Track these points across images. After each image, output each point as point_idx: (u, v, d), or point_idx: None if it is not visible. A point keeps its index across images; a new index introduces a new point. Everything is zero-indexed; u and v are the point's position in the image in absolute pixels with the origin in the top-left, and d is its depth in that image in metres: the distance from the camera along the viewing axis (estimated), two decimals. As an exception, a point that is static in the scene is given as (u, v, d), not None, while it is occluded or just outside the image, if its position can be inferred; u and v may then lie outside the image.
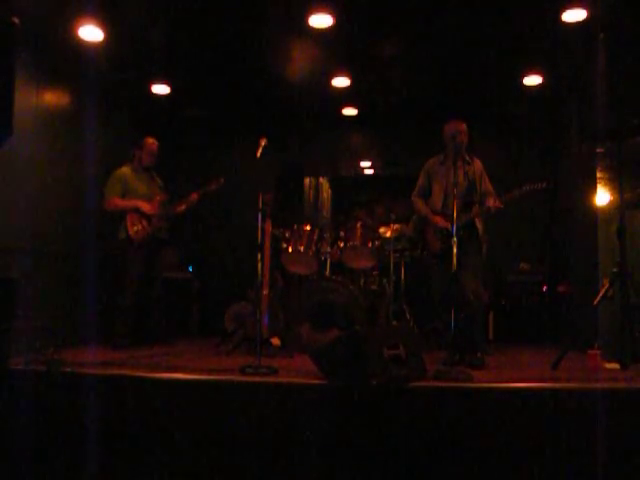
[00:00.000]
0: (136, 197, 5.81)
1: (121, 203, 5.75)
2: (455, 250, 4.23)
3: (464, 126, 4.92)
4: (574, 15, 5.25)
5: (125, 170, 5.89)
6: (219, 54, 6.26)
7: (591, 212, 5.80)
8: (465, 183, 4.86)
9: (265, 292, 5.57)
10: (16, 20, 3.80)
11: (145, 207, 5.78)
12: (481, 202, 4.91)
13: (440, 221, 4.86)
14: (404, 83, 6.97)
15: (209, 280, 7.99)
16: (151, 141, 5.96)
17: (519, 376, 4.14)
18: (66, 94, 6.31)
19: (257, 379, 3.89)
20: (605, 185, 5.60)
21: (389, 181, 8.35)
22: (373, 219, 6.56)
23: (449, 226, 4.67)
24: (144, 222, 5.76)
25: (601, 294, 4.53)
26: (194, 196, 5.96)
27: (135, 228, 5.70)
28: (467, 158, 4.93)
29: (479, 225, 4.93)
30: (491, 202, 4.83)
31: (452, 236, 4.29)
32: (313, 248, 5.86)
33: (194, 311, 7.69)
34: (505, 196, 4.73)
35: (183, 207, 5.98)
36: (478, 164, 5.00)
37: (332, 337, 4.96)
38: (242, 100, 7.54)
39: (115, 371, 4.11)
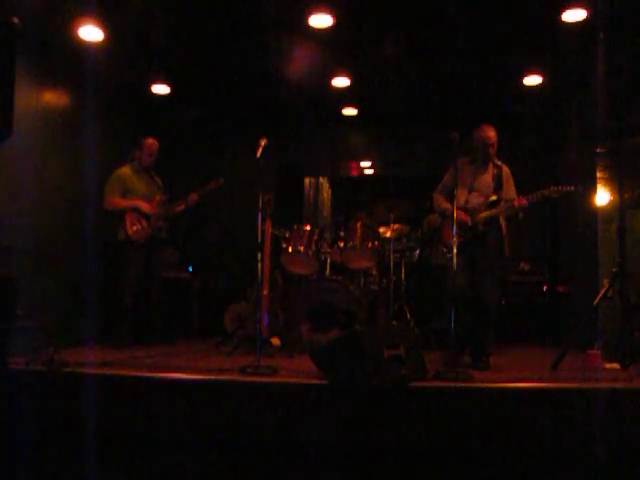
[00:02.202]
0: (136, 197, 5.81)
1: (121, 203, 5.74)
2: (455, 250, 4.20)
3: (494, 134, 4.89)
4: (574, 15, 5.26)
5: (125, 170, 5.88)
6: (219, 54, 6.26)
7: (591, 212, 5.80)
8: (492, 184, 4.88)
9: (265, 292, 5.57)
10: (16, 20, 3.80)
11: (144, 207, 5.77)
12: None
13: (462, 215, 4.78)
14: (404, 83, 6.97)
15: (209, 280, 7.99)
16: (151, 141, 5.94)
17: (519, 376, 4.15)
18: (66, 94, 6.31)
19: (257, 379, 3.88)
20: (605, 185, 5.61)
21: (389, 181, 8.35)
22: (373, 219, 6.53)
23: (469, 221, 4.76)
24: (143, 222, 5.75)
25: (601, 294, 4.53)
26: (194, 196, 5.96)
27: (134, 228, 5.69)
28: (495, 162, 4.96)
29: (503, 223, 4.87)
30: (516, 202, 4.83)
31: (478, 236, 4.42)
32: (313, 248, 5.86)
33: (194, 311, 7.69)
34: (530, 195, 4.68)
35: (182, 207, 5.97)
36: (506, 170, 5.00)
37: (332, 337, 4.97)
38: (242, 100, 7.55)
39: (115, 371, 4.10)
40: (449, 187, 5.03)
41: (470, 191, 4.91)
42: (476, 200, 4.84)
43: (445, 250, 4.92)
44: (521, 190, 4.92)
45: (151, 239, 5.80)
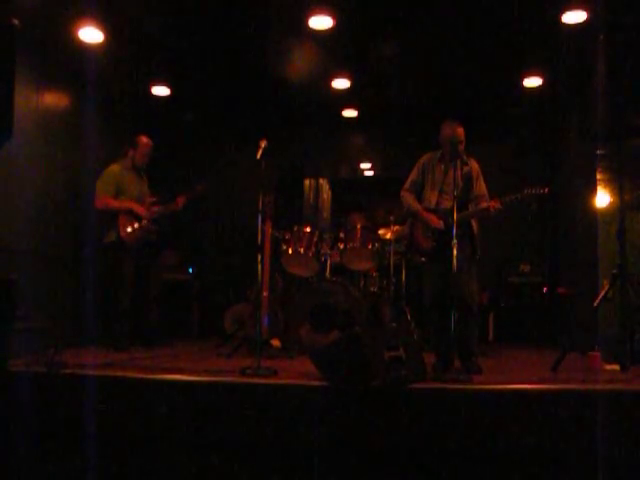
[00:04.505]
0: (128, 197, 5.74)
1: (113, 204, 5.65)
2: (455, 252, 4.15)
3: (462, 131, 4.74)
4: (574, 17, 5.26)
5: (116, 168, 5.77)
6: (219, 55, 6.27)
7: (591, 213, 5.80)
8: (461, 183, 4.71)
9: (265, 294, 5.58)
10: (16, 22, 3.80)
11: (138, 209, 5.70)
12: (475, 203, 4.77)
13: (434, 219, 4.67)
14: (404, 85, 6.98)
15: (209, 281, 7.99)
16: (145, 141, 5.86)
17: (519, 377, 4.14)
18: (66, 95, 6.32)
19: (257, 380, 3.88)
20: (605, 186, 5.61)
21: (389, 183, 8.34)
22: (368, 220, 6.53)
23: (442, 225, 4.59)
24: (135, 224, 5.67)
25: (601, 295, 4.53)
26: (180, 200, 5.88)
27: (128, 230, 5.60)
28: (464, 158, 4.71)
29: (474, 225, 4.75)
30: (485, 204, 4.68)
31: (452, 238, 4.18)
32: (313, 250, 5.86)
33: (194, 312, 7.69)
34: (504, 198, 4.57)
35: (171, 209, 5.89)
36: (475, 165, 4.85)
37: (332, 339, 4.97)
38: (242, 102, 7.55)
39: (115, 372, 4.10)
40: (419, 184, 4.93)
41: (440, 191, 4.76)
42: (448, 202, 4.56)
43: (419, 255, 4.82)
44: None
45: (142, 241, 5.75)
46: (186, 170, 8.07)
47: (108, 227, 5.67)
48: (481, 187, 4.85)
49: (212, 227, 8.36)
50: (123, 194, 5.74)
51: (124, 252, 5.64)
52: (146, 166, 5.98)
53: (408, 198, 4.91)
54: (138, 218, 5.70)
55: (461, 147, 4.69)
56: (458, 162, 4.67)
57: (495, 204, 4.57)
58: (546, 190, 4.52)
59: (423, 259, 4.80)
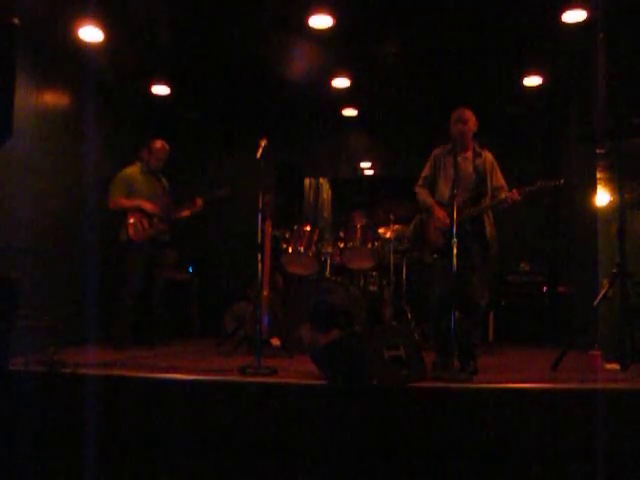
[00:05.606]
0: (140, 198, 5.80)
1: (124, 203, 5.74)
2: (455, 251, 4.11)
3: (467, 113, 4.57)
4: (574, 16, 5.26)
5: (131, 170, 5.87)
6: (219, 54, 6.26)
7: (591, 212, 5.80)
8: (474, 175, 4.58)
9: (265, 293, 5.57)
10: (16, 21, 3.80)
11: (147, 206, 5.76)
12: (493, 196, 4.60)
13: (442, 217, 4.51)
14: (404, 84, 6.98)
15: (209, 280, 7.98)
16: (159, 145, 5.92)
17: (519, 376, 4.14)
18: (66, 95, 6.32)
19: (257, 379, 3.89)
20: (605, 185, 5.60)
21: (389, 182, 8.35)
22: (370, 219, 6.52)
23: (448, 222, 4.40)
24: (145, 222, 5.73)
25: (601, 294, 4.52)
26: (199, 202, 5.93)
27: (135, 229, 5.67)
28: (477, 149, 4.65)
29: (487, 220, 4.59)
30: (503, 195, 4.52)
31: (464, 234, 4.11)
32: (313, 249, 5.86)
33: (194, 311, 7.69)
34: (522, 189, 4.41)
35: (187, 213, 5.95)
36: (489, 156, 4.70)
37: (332, 338, 4.97)
38: (242, 101, 7.55)
39: (115, 372, 4.11)
40: (432, 179, 4.76)
41: (453, 184, 4.49)
42: (461, 195, 4.41)
43: (431, 252, 4.68)
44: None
45: (153, 240, 5.79)
46: (185, 169, 8.07)
47: (120, 226, 5.73)
48: (498, 179, 4.69)
49: (212, 226, 8.35)
50: (136, 195, 5.80)
51: (133, 251, 5.70)
52: (161, 169, 6.02)
53: (422, 193, 4.78)
54: (149, 217, 5.73)
55: (460, 127, 4.54)
56: (470, 153, 4.59)
57: (514, 195, 4.43)
58: (561, 182, 4.41)
59: (435, 256, 4.65)
